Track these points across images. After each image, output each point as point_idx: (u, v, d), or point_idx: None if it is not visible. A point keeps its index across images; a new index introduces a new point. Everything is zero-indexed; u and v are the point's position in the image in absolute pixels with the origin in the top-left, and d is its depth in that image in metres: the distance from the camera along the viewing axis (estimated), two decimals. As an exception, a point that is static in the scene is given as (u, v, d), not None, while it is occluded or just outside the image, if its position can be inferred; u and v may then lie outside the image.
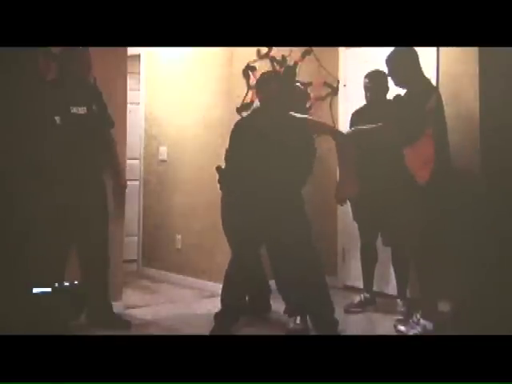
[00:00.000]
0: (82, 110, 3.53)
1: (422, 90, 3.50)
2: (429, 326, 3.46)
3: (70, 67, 3.55)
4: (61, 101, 3.48)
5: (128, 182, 4.07)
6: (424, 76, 3.59)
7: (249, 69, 4.65)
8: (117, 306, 3.92)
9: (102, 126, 3.70)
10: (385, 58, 3.63)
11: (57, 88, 3.53)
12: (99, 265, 3.68)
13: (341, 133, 3.89)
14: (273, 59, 4.79)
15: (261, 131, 3.50)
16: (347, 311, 4.15)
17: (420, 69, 3.57)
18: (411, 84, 3.54)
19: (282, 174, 3.45)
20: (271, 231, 3.55)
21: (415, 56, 3.56)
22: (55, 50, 3.49)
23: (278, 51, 4.78)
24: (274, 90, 3.54)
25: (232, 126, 3.67)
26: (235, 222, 3.65)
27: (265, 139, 3.47)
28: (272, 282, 4.14)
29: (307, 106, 4.86)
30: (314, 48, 4.91)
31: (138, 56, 5.44)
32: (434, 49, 4.14)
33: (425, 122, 3.43)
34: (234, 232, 3.75)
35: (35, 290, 2.94)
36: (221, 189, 3.73)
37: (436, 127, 3.47)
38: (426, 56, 4.10)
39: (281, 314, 3.91)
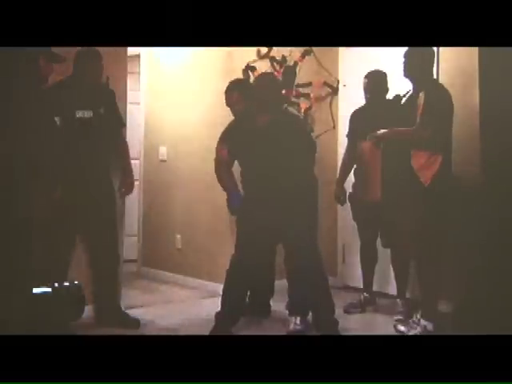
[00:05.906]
0: (87, 114, 3.56)
1: (439, 92, 3.50)
2: (429, 326, 3.46)
3: (83, 70, 3.59)
4: (68, 104, 3.51)
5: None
6: (434, 77, 3.61)
7: (249, 69, 4.65)
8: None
9: (111, 127, 3.73)
10: (402, 52, 3.60)
11: (65, 90, 3.55)
12: (110, 263, 3.73)
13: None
14: (273, 59, 4.78)
15: (255, 131, 3.51)
16: (347, 311, 4.15)
17: (433, 70, 3.58)
18: (426, 84, 3.53)
19: (285, 171, 3.46)
20: (277, 233, 3.55)
21: (432, 56, 3.58)
22: (56, 50, 3.49)
23: (277, 51, 4.77)
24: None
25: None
26: (241, 224, 3.64)
27: (261, 138, 3.47)
28: (277, 283, 4.13)
29: (307, 106, 4.89)
30: (314, 48, 4.91)
31: (138, 56, 5.43)
32: (434, 49, 4.14)
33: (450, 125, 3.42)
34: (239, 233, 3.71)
35: (35, 290, 2.94)
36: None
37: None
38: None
39: (281, 314, 3.91)
